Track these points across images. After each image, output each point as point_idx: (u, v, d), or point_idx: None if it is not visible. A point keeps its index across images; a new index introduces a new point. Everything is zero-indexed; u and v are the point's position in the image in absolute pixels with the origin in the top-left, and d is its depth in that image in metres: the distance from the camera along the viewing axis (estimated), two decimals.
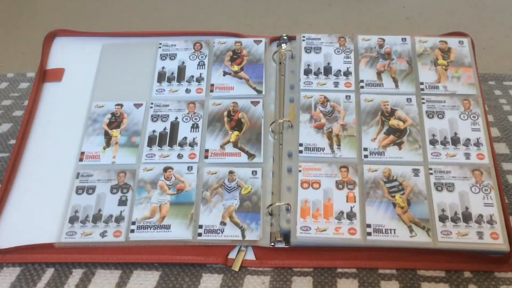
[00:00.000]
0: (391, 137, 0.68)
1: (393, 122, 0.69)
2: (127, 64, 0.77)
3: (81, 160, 0.68)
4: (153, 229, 0.62)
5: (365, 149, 0.67)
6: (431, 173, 0.64)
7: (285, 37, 0.78)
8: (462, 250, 0.60)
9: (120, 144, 0.69)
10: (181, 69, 0.76)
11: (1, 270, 0.62)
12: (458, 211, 0.62)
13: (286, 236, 0.62)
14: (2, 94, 0.93)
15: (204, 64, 0.76)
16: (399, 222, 0.61)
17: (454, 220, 0.61)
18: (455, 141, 0.67)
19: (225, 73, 0.75)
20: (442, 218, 0.61)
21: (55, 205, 0.65)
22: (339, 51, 0.76)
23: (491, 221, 0.61)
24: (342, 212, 0.62)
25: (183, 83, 0.74)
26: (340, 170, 0.65)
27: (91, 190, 0.66)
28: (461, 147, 0.66)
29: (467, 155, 0.66)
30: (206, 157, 0.68)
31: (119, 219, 0.63)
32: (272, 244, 0.62)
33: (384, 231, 0.61)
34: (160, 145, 0.69)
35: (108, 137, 0.70)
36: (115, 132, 0.70)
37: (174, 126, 0.71)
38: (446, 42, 0.75)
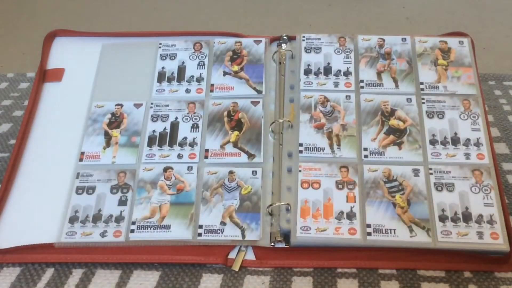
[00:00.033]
0: (391, 137, 0.68)
1: (393, 122, 0.69)
2: (127, 64, 0.77)
3: (81, 160, 0.68)
4: (153, 229, 0.62)
5: (365, 149, 0.67)
6: (431, 173, 0.64)
7: (285, 37, 0.78)
8: (462, 250, 0.60)
9: (120, 144, 0.69)
10: (181, 69, 0.76)
11: (1, 270, 0.62)
12: (458, 211, 0.62)
13: (286, 236, 0.62)
14: (2, 94, 0.93)
15: (204, 64, 0.76)
16: (399, 222, 0.61)
17: (454, 220, 0.61)
18: (455, 141, 0.67)
19: (225, 73, 0.75)
20: (442, 218, 0.61)
21: (55, 205, 0.65)
22: (339, 51, 0.76)
23: (491, 221, 0.61)
24: (342, 212, 0.62)
25: (183, 83, 0.74)
26: (340, 170, 0.65)
27: (91, 190, 0.66)
28: (461, 147, 0.66)
29: (467, 155, 0.66)
30: (206, 157, 0.68)
31: (119, 219, 0.63)
32: (272, 244, 0.62)
33: (384, 231, 0.61)
34: (160, 145, 0.69)
35: (108, 137, 0.70)
36: (115, 132, 0.70)
37: (174, 126, 0.71)
38: (446, 42, 0.75)
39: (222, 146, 0.68)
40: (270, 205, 0.64)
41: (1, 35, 1.53)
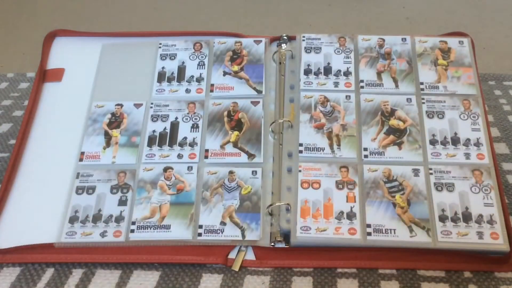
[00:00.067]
0: (391, 137, 0.68)
1: (393, 122, 0.69)
2: (127, 64, 0.77)
3: (81, 160, 0.68)
4: (153, 229, 0.62)
5: (365, 149, 0.67)
6: (431, 173, 0.64)
7: (285, 37, 0.78)
8: (462, 250, 0.60)
9: (120, 144, 0.69)
10: (181, 69, 0.76)
11: (1, 270, 0.62)
12: (458, 211, 0.62)
13: (286, 236, 0.62)
14: (2, 94, 0.93)
15: (204, 64, 0.76)
16: (399, 222, 0.61)
17: (454, 220, 0.61)
18: (455, 141, 0.67)
19: (225, 73, 0.75)
20: (442, 218, 0.61)
21: (55, 205, 0.65)
22: (339, 51, 0.76)
23: (491, 221, 0.61)
24: (342, 212, 0.62)
25: (183, 83, 0.74)
26: (340, 170, 0.65)
27: (91, 190, 0.66)
28: (461, 147, 0.66)
29: (467, 155, 0.66)
30: (206, 157, 0.68)
31: (119, 219, 0.63)
32: (272, 244, 0.62)
33: (384, 231, 0.61)
34: (160, 145, 0.69)
35: (108, 137, 0.70)
36: (115, 132, 0.70)
37: (174, 126, 0.71)
38: (446, 42, 0.75)
39: (222, 146, 0.68)
40: (270, 205, 0.64)
41: (1, 35, 1.53)
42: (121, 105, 0.72)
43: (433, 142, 0.67)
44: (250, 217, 0.63)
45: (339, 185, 0.64)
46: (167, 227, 0.62)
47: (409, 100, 0.70)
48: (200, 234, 0.62)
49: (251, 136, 0.69)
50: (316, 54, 0.76)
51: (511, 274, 0.59)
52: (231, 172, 0.66)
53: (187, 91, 0.74)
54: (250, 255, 0.62)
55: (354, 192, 0.63)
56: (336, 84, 0.73)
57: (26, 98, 0.91)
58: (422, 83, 0.72)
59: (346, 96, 0.71)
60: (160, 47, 0.78)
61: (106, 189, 0.66)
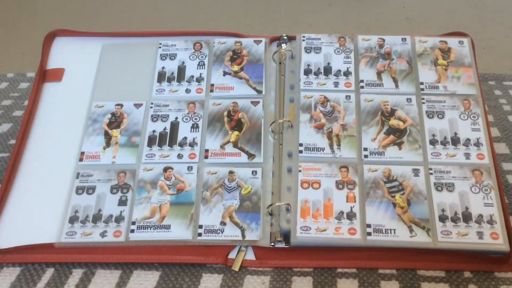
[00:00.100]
0: (391, 137, 0.68)
1: (393, 122, 0.69)
2: (127, 64, 0.77)
3: (81, 160, 0.68)
4: (153, 229, 0.62)
5: (365, 149, 0.67)
6: (431, 173, 0.64)
7: (285, 37, 0.78)
8: (462, 250, 0.60)
9: (120, 144, 0.69)
10: (181, 69, 0.76)
11: (1, 270, 0.62)
12: (458, 211, 0.62)
13: (286, 236, 0.62)
14: (2, 94, 0.93)
15: (204, 64, 0.76)
16: (399, 222, 0.61)
17: (454, 220, 0.61)
18: (455, 141, 0.67)
19: (225, 73, 0.75)
20: (442, 218, 0.61)
21: (55, 205, 0.65)
22: (339, 51, 0.76)
23: (491, 221, 0.61)
24: (342, 212, 0.62)
25: (183, 83, 0.74)
26: (340, 170, 0.65)
27: (91, 190, 0.66)
28: (461, 147, 0.66)
29: (467, 155, 0.66)
30: (206, 157, 0.68)
31: (119, 219, 0.63)
32: (272, 244, 0.62)
33: (384, 231, 0.61)
34: (160, 145, 0.69)
35: (108, 137, 0.70)
36: (115, 132, 0.70)
37: (174, 126, 0.71)
38: (446, 42, 0.75)
39: (222, 146, 0.68)
40: (270, 205, 0.64)
41: (1, 35, 1.53)
42: (121, 105, 0.72)
43: (433, 142, 0.67)
44: (250, 217, 0.63)
45: (339, 185, 0.64)
46: (167, 227, 0.62)
47: (409, 100, 0.70)
48: (200, 234, 0.62)
49: (251, 136, 0.69)
50: (316, 54, 0.76)
51: (511, 274, 0.59)
52: (231, 172, 0.66)
53: (187, 91, 0.74)
54: (250, 255, 0.62)
55: (354, 192, 0.63)
56: (336, 84, 0.73)
57: (26, 98, 0.91)
58: (422, 83, 0.72)
59: (346, 96, 0.71)
60: (160, 47, 0.78)
61: (106, 189, 0.66)
